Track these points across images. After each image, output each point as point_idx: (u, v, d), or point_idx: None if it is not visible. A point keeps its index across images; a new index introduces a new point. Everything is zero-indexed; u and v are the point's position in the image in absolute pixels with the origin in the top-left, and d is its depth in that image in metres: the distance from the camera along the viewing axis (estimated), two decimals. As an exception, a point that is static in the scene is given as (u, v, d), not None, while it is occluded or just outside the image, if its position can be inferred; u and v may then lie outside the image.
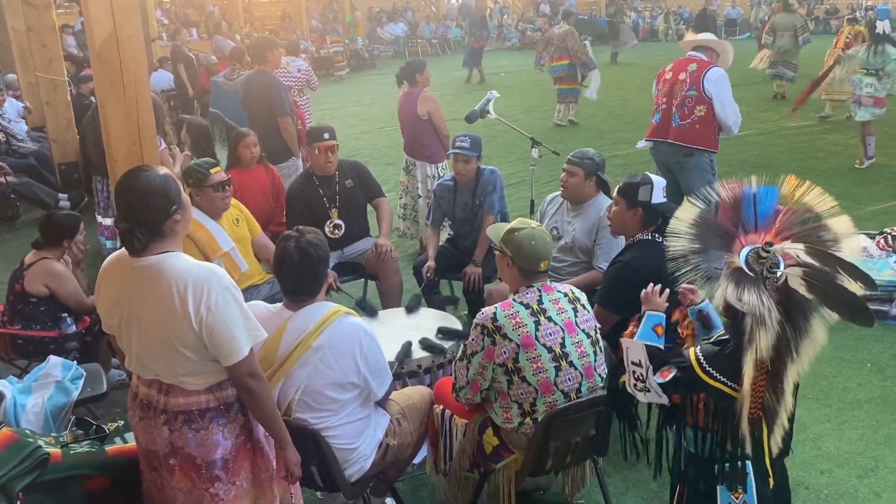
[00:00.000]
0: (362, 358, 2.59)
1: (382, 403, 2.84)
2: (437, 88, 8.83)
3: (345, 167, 4.61)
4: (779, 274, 2.08)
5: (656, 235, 3.30)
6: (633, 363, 2.35)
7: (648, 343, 2.36)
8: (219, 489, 2.27)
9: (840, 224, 2.18)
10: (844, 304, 2.06)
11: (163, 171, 2.25)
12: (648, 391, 2.29)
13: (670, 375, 2.26)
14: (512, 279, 2.83)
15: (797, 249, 2.10)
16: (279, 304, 2.68)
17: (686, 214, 2.28)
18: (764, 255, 2.10)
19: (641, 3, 28.46)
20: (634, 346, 2.35)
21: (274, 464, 2.42)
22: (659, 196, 3.30)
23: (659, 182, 3.33)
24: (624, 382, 2.45)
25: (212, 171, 3.90)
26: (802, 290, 2.05)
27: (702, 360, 2.25)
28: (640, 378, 2.31)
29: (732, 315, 2.20)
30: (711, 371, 2.22)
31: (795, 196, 2.22)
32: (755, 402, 2.17)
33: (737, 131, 5.34)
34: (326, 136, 4.44)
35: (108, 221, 5.68)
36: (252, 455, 2.36)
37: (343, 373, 2.57)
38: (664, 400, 2.28)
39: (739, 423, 2.17)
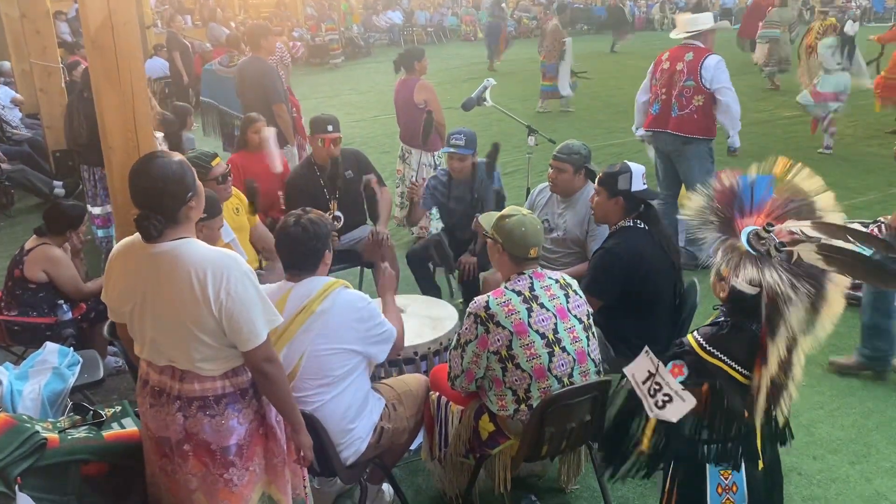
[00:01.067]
0: (362, 323, 2.65)
1: (393, 352, 2.86)
2: (433, 76, 8.77)
3: (345, 157, 4.60)
4: (783, 251, 2.11)
5: (638, 222, 3.35)
6: (642, 383, 2.35)
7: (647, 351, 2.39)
8: (233, 474, 2.28)
9: (824, 200, 2.23)
10: (867, 270, 2.10)
11: (177, 157, 2.25)
12: (671, 400, 2.25)
13: (685, 370, 2.29)
14: (503, 266, 2.85)
15: (802, 226, 2.13)
16: (280, 281, 2.74)
17: (692, 203, 2.33)
18: (764, 235, 2.14)
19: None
20: (637, 364, 2.37)
21: (285, 448, 2.43)
22: (639, 183, 3.36)
23: (638, 170, 3.38)
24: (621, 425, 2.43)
25: (212, 163, 3.88)
26: (821, 264, 2.08)
27: (701, 342, 2.31)
28: (659, 387, 2.29)
29: (734, 297, 2.24)
30: (713, 350, 2.28)
31: (786, 177, 2.26)
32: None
33: (736, 128, 5.27)
34: (330, 128, 4.43)
35: (98, 210, 5.65)
36: (265, 440, 2.37)
37: (344, 339, 2.62)
38: (690, 404, 2.23)
39: (755, 402, 2.21)
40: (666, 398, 2.26)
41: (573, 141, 4.02)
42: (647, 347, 2.43)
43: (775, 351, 2.12)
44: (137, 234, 2.22)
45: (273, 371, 2.24)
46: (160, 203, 2.15)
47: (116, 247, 2.35)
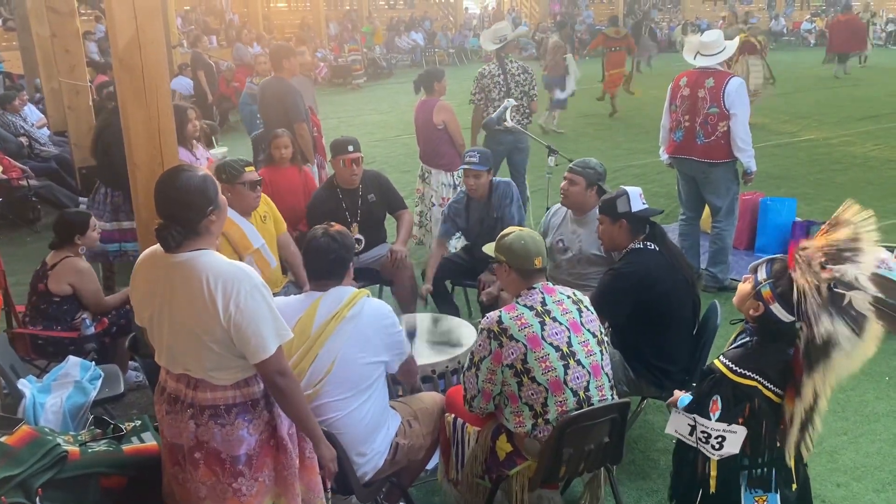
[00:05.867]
0: (386, 330, 2.73)
1: (409, 371, 2.96)
2: (455, 97, 8.83)
3: (367, 180, 4.62)
4: (834, 292, 2.16)
5: (648, 243, 3.35)
6: (689, 435, 2.43)
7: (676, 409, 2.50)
8: (242, 484, 2.31)
9: (869, 239, 2.24)
10: None
11: (202, 171, 2.31)
12: (725, 439, 2.32)
13: (718, 405, 2.33)
14: (512, 284, 2.87)
15: (861, 275, 2.16)
16: (305, 293, 2.81)
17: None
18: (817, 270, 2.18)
19: (659, 13, 28.44)
20: (675, 422, 2.48)
21: (297, 462, 2.44)
22: (638, 203, 3.39)
23: (634, 191, 3.41)
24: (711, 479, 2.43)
25: (246, 169, 3.98)
26: (871, 316, 2.14)
27: (731, 365, 2.36)
28: (706, 434, 2.36)
29: (766, 319, 2.30)
30: (744, 371, 2.32)
31: (853, 221, 2.26)
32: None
33: (748, 154, 5.11)
34: (351, 148, 4.47)
35: (109, 226, 5.61)
36: (275, 452, 2.39)
37: (373, 344, 2.69)
38: (741, 433, 2.30)
39: (787, 431, 2.24)
40: (720, 439, 2.31)
41: (591, 158, 4.05)
42: (673, 408, 2.53)
43: (811, 385, 2.18)
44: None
45: (285, 384, 2.26)
46: (181, 214, 2.21)
47: (142, 254, 2.42)
